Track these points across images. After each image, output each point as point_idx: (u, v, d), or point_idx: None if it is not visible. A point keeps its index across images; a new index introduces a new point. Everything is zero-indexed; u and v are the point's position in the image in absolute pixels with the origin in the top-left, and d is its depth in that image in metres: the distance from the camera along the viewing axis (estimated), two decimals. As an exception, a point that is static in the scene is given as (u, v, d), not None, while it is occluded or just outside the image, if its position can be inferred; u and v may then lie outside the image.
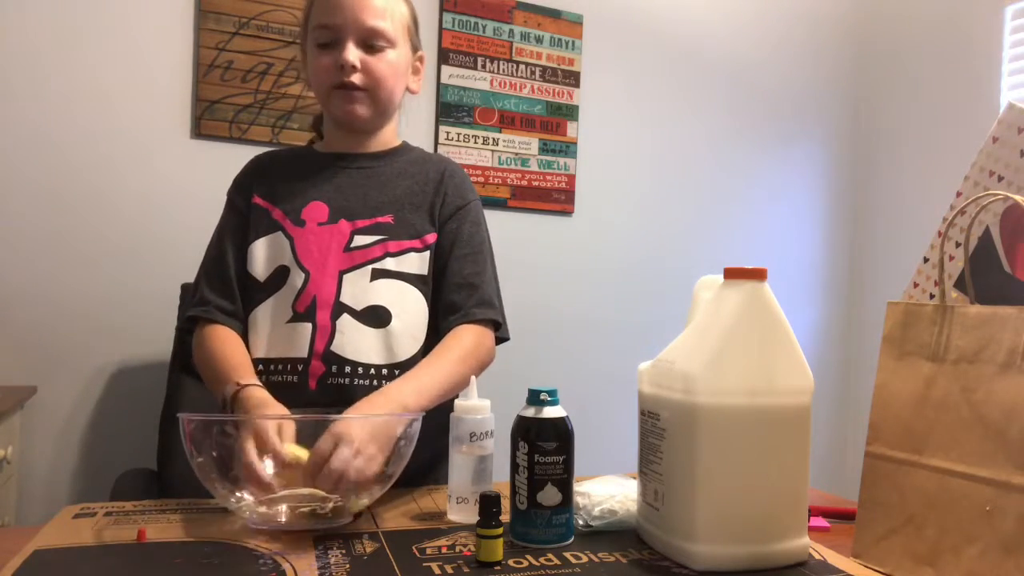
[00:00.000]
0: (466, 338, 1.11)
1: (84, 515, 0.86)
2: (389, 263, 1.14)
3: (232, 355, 1.07)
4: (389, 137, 1.25)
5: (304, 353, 1.09)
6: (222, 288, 1.15)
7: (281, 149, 1.33)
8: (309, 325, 1.09)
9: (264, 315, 1.12)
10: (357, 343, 1.09)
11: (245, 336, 1.13)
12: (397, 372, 1.11)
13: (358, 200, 1.17)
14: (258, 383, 1.02)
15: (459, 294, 1.15)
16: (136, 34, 1.85)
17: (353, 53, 1.12)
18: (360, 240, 1.14)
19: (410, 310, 1.13)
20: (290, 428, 0.89)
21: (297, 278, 1.11)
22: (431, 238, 1.18)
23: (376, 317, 1.11)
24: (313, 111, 1.31)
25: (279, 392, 1.07)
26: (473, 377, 0.94)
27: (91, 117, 1.82)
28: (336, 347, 1.09)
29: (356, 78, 1.13)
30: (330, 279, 1.11)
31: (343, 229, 1.14)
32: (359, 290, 1.11)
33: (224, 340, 1.10)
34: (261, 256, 1.15)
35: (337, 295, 1.10)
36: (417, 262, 1.16)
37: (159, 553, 0.75)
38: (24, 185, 1.77)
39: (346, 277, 1.11)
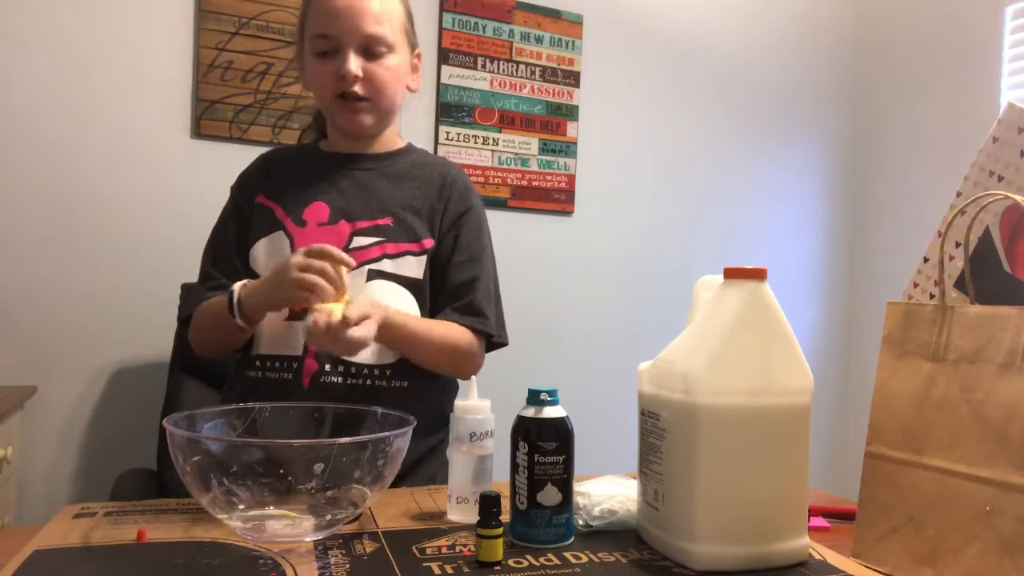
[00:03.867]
0: (455, 330, 1.14)
1: (84, 515, 0.86)
2: (386, 265, 1.14)
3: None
4: (391, 138, 1.26)
5: (299, 351, 1.10)
6: (231, 274, 1.17)
7: (288, 147, 1.34)
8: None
9: None
10: None
11: None
12: (389, 372, 1.12)
13: (359, 202, 1.17)
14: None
15: (450, 303, 1.17)
16: (136, 34, 1.85)
17: (354, 63, 1.12)
18: (359, 241, 1.14)
19: (403, 312, 1.14)
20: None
21: None
22: (429, 243, 1.18)
23: None
24: (313, 109, 1.32)
25: (273, 388, 1.08)
26: (473, 377, 0.94)
27: (91, 117, 1.82)
28: None
29: (358, 87, 1.13)
30: None
31: (342, 230, 1.15)
32: (355, 290, 1.11)
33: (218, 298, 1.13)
34: (263, 255, 1.16)
35: None
36: (414, 266, 1.16)
37: (159, 553, 0.75)
38: (24, 185, 1.77)
39: None
